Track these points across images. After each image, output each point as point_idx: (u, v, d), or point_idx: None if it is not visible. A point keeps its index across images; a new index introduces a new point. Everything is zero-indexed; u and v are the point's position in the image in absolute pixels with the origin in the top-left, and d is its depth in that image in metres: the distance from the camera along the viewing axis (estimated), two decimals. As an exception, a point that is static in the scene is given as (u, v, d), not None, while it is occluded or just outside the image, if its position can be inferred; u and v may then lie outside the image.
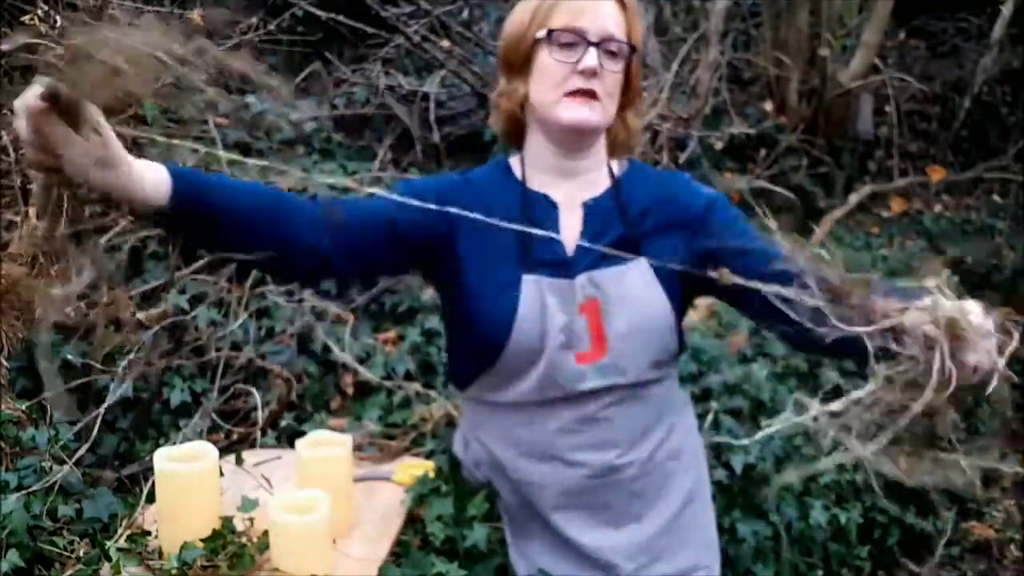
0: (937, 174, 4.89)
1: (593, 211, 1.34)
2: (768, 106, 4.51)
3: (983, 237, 4.44)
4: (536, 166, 1.36)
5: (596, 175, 1.37)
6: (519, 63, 1.32)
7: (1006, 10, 5.23)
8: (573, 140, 1.32)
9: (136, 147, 2.86)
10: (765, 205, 4.40)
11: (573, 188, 1.35)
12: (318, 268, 1.23)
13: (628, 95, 1.34)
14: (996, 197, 4.96)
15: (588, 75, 1.26)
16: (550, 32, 1.27)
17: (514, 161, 1.40)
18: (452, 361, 1.49)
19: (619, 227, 1.32)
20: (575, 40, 1.26)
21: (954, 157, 5.31)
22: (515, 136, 1.39)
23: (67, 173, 0.93)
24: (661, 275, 1.29)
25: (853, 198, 4.63)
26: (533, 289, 1.29)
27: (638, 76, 1.36)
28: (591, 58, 1.25)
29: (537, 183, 1.35)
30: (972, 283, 4.06)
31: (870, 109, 4.91)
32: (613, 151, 1.39)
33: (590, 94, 1.27)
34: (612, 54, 1.28)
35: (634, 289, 1.30)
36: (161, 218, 1.04)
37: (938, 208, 4.76)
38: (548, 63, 1.28)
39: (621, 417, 1.34)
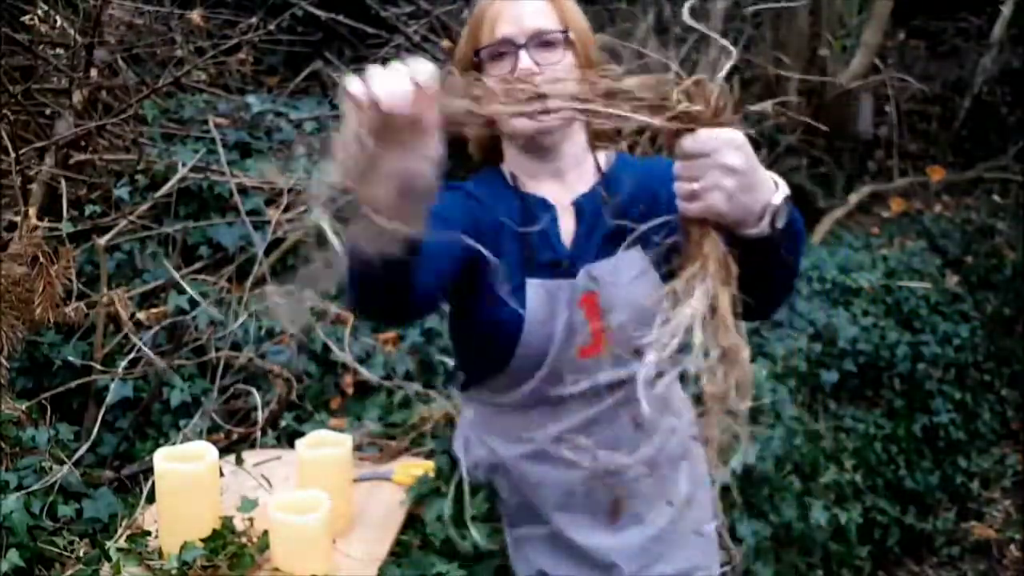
0: (937, 174, 4.89)
1: (584, 208, 1.35)
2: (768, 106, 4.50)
3: (983, 237, 4.44)
4: (523, 172, 1.37)
5: (581, 171, 1.37)
6: None
7: (1006, 10, 5.23)
8: (542, 144, 1.33)
9: (136, 147, 2.86)
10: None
11: (562, 187, 1.36)
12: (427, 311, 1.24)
13: None
14: (996, 197, 4.96)
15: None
16: (477, 52, 1.29)
17: (505, 168, 1.40)
18: (461, 366, 1.49)
19: (610, 220, 1.32)
20: (505, 49, 1.27)
21: (954, 157, 5.31)
22: (494, 156, 1.40)
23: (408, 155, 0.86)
24: (658, 262, 1.29)
25: (853, 198, 4.63)
26: (538, 291, 1.30)
27: (594, 53, 1.33)
28: (523, 61, 1.25)
29: (531, 187, 1.36)
30: (972, 283, 4.06)
31: (870, 109, 4.91)
32: (595, 138, 1.39)
33: None
34: (549, 45, 1.28)
35: (629, 279, 1.30)
36: (386, 259, 0.95)
37: (938, 208, 4.76)
38: (489, 80, 1.29)
39: (623, 417, 1.34)
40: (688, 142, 0.92)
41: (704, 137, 0.92)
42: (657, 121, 0.90)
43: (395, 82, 0.83)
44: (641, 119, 0.89)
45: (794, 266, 1.12)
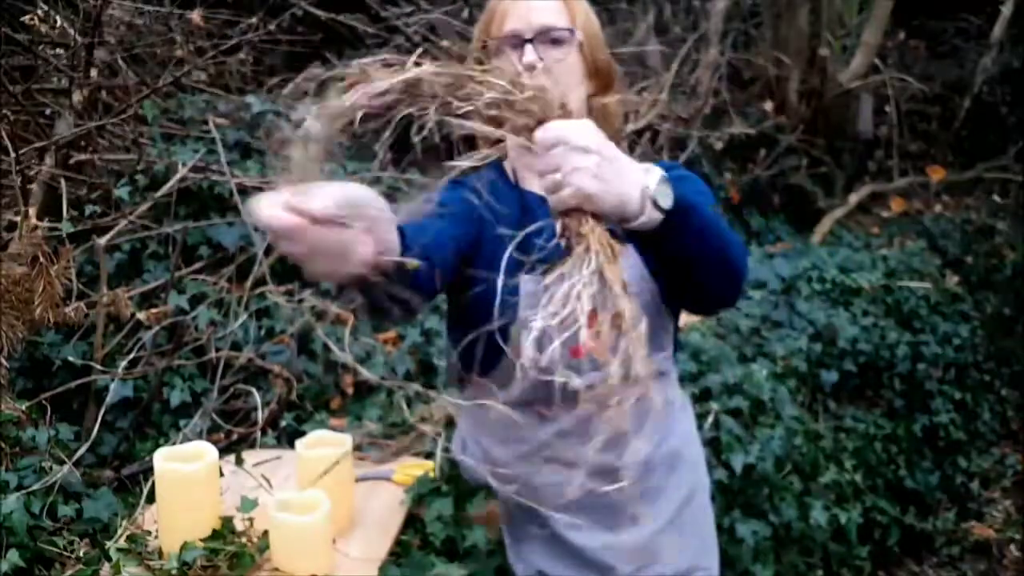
0: (937, 174, 4.89)
1: None
2: (768, 106, 4.51)
3: (983, 237, 4.45)
4: (525, 168, 1.37)
5: None
6: None
7: (1006, 10, 5.23)
8: None
9: (136, 147, 2.86)
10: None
11: None
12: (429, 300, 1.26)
13: (596, 79, 1.35)
14: (996, 197, 4.96)
15: (530, 72, 1.27)
16: (484, 44, 1.31)
17: (507, 165, 1.41)
18: (456, 363, 1.49)
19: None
20: (511, 42, 1.29)
21: (954, 157, 5.31)
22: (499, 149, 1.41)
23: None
24: (651, 262, 1.29)
25: (853, 198, 4.63)
26: (532, 288, 1.30)
27: (602, 57, 1.35)
28: (527, 55, 1.27)
29: (531, 183, 1.36)
30: (972, 283, 4.07)
31: (870, 109, 4.91)
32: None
33: None
34: (556, 43, 1.29)
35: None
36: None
37: (938, 208, 4.76)
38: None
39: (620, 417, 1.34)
40: (541, 133, 0.95)
41: (555, 125, 0.95)
42: (510, 115, 0.94)
43: (273, 210, 0.82)
44: (497, 98, 0.93)
45: (719, 252, 1.12)
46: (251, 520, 1.36)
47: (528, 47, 1.28)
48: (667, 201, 1.01)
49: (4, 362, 1.74)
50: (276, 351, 2.33)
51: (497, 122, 0.96)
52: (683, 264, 1.05)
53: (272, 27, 3.25)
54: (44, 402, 1.86)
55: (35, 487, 1.42)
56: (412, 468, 1.62)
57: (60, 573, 1.31)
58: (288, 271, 2.64)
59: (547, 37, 1.29)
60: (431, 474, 1.52)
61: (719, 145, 4.07)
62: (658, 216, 1.01)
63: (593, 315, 0.97)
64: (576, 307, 0.89)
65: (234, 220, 2.61)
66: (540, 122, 0.96)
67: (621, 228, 1.00)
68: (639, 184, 0.99)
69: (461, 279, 1.33)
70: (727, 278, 1.17)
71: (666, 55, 4.37)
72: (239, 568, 1.28)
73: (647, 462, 1.38)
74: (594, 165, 0.94)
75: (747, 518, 2.12)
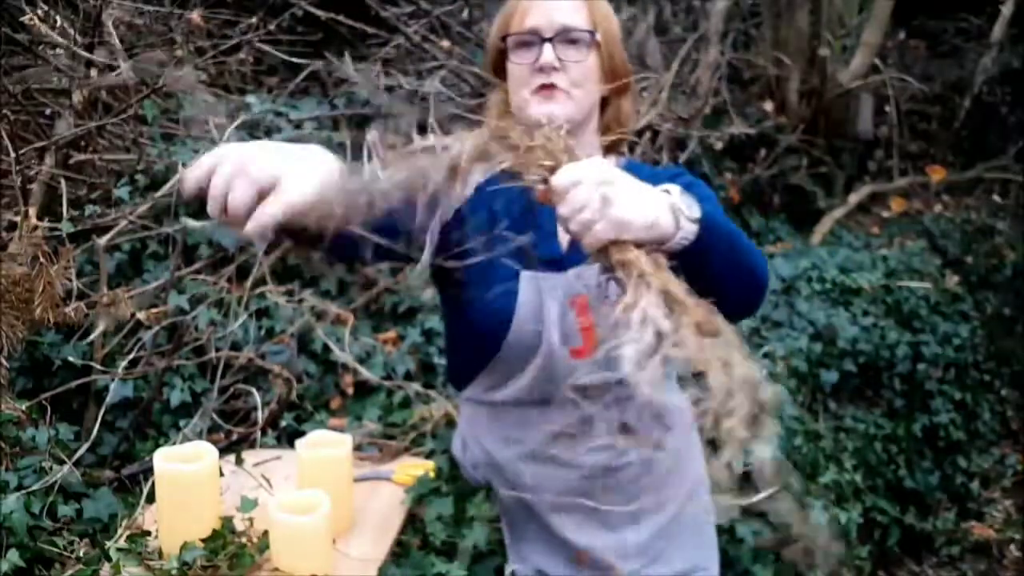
0: (937, 174, 4.89)
1: None
2: (768, 106, 4.51)
3: (983, 237, 4.44)
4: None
5: None
6: (496, 74, 1.38)
7: (1006, 10, 5.23)
8: None
9: (136, 147, 2.86)
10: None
11: None
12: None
13: (612, 81, 1.35)
14: (996, 197, 4.96)
15: (547, 70, 1.28)
16: (504, 38, 1.32)
17: None
18: (451, 360, 1.50)
19: None
20: (530, 39, 1.30)
21: (954, 157, 5.31)
22: None
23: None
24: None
25: (853, 198, 4.63)
26: (531, 285, 1.30)
27: (619, 59, 1.36)
28: (546, 54, 1.28)
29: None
30: (972, 283, 4.06)
31: (870, 109, 4.90)
32: (609, 142, 1.39)
33: (553, 88, 1.29)
34: (576, 43, 1.30)
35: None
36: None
37: (938, 208, 4.76)
38: (512, 67, 1.33)
39: (614, 419, 1.34)
40: (556, 179, 0.96)
41: (568, 168, 0.96)
42: (534, 173, 0.97)
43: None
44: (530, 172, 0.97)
45: (745, 261, 1.12)
46: (251, 520, 1.36)
47: (547, 46, 1.28)
48: (695, 210, 1.01)
49: (4, 362, 1.74)
50: (276, 351, 2.33)
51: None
52: (714, 278, 1.05)
53: (272, 27, 3.25)
54: (44, 402, 1.86)
55: (35, 487, 1.42)
56: (412, 468, 1.62)
57: (60, 573, 1.31)
58: (288, 271, 2.64)
59: (567, 37, 1.29)
60: (431, 474, 1.52)
61: (719, 145, 4.06)
62: (693, 228, 1.00)
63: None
64: (653, 328, 0.89)
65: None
66: (552, 170, 0.96)
67: (663, 254, 0.99)
68: (664, 201, 0.99)
69: (454, 279, 1.33)
70: (753, 286, 1.16)
71: (666, 55, 4.37)
72: (239, 568, 1.28)
73: (647, 462, 1.38)
74: (618, 193, 0.95)
75: (747, 518, 2.12)
